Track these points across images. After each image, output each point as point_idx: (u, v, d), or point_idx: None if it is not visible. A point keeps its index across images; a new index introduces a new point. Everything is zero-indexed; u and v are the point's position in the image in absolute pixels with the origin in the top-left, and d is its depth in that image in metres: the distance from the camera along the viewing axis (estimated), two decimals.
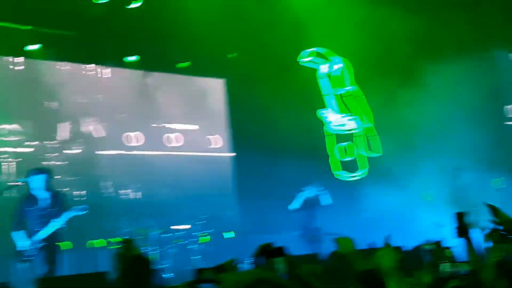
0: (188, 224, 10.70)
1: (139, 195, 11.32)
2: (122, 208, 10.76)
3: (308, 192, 11.20)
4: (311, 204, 11.24)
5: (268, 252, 1.94)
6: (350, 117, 13.96)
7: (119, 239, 10.11)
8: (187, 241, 10.36)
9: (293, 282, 1.81)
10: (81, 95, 11.28)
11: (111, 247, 10.23)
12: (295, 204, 11.16)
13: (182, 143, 12.44)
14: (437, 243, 4.81)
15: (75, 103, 11.13)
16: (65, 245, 8.82)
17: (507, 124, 14.58)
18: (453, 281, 3.24)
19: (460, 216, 4.00)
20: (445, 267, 3.19)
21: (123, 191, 11.13)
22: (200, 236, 10.51)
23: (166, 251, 10.17)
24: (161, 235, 10.36)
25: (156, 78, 12.36)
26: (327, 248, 9.90)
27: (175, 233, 10.54)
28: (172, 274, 9.45)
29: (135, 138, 11.90)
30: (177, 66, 12.58)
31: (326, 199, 11.20)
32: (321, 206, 11.24)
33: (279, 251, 1.96)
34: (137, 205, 11.04)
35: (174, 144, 12.34)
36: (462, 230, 3.95)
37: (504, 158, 13.83)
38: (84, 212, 7.89)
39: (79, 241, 10.04)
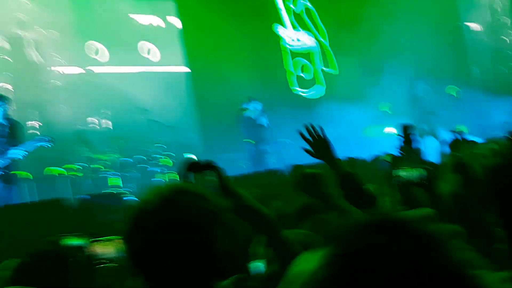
0: (148, 148, 10.59)
1: (97, 120, 11.05)
2: (80, 134, 10.50)
3: (258, 108, 11.24)
4: (260, 122, 11.34)
5: (196, 167, 1.87)
6: (306, 33, 13.81)
7: (75, 166, 10.01)
8: (147, 166, 10.30)
9: (222, 195, 1.72)
10: None
11: (70, 174, 10.11)
12: (247, 121, 11.22)
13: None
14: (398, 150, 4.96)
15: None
16: (24, 174, 8.70)
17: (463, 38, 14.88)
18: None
19: (405, 128, 4.11)
20: (403, 172, 3.21)
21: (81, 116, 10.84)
22: (161, 159, 10.45)
23: (128, 176, 10.12)
24: (121, 159, 10.28)
25: None
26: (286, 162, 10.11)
27: (136, 157, 10.46)
28: (135, 198, 9.45)
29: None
30: None
31: (265, 120, 11.30)
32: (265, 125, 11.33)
33: (208, 166, 1.88)
34: (95, 131, 10.82)
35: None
36: (407, 140, 4.09)
37: (459, 69, 14.12)
38: (50, 144, 7.71)
39: (37, 169, 9.89)
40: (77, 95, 10.90)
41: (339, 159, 2.95)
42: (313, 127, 2.94)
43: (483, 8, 15.08)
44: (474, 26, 15.13)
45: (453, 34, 14.56)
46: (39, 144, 7.72)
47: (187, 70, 12.38)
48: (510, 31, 15.04)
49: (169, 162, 10.32)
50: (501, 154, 3.45)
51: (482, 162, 3.32)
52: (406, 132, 4.14)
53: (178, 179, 1.88)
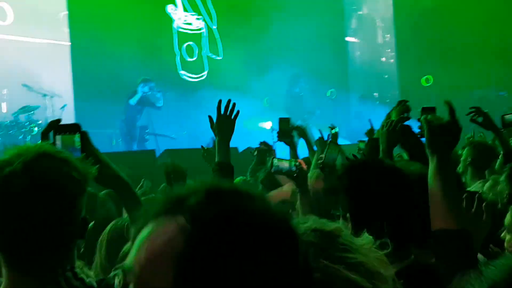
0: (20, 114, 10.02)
1: None
2: None
3: (146, 89, 11.10)
4: (147, 102, 11.23)
5: (60, 128, 1.81)
6: (197, 17, 13.73)
7: None
8: (12, 131, 9.72)
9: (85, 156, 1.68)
10: None
11: None
12: (133, 100, 11.06)
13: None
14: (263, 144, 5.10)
15: None
16: None
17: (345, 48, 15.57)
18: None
19: (282, 121, 4.23)
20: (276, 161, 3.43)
21: None
22: (31, 127, 9.92)
23: None
24: None
25: None
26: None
27: (2, 123, 9.86)
28: None
29: None
30: None
31: (159, 100, 11.25)
32: (156, 105, 11.28)
33: (73, 128, 1.83)
34: None
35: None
36: (283, 134, 4.21)
37: (339, 73, 14.74)
38: None
39: None
40: None
41: (228, 146, 3.12)
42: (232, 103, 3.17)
43: (367, 24, 15.96)
44: (356, 40, 15.98)
45: (336, 43, 15.16)
46: None
47: (68, 43, 11.86)
48: (387, 49, 15.98)
49: (33, 130, 9.80)
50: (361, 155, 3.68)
51: (343, 161, 3.53)
52: (284, 126, 4.25)
53: (41, 140, 1.78)
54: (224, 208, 0.89)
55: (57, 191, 1.47)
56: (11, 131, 9.66)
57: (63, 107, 10.52)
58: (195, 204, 0.89)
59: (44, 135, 1.80)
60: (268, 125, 12.04)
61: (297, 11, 13.36)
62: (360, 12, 16.21)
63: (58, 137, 1.79)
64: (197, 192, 0.92)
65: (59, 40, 11.82)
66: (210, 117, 3.05)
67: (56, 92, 10.76)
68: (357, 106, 14.92)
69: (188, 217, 0.88)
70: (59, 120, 1.84)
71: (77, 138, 1.80)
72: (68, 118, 10.53)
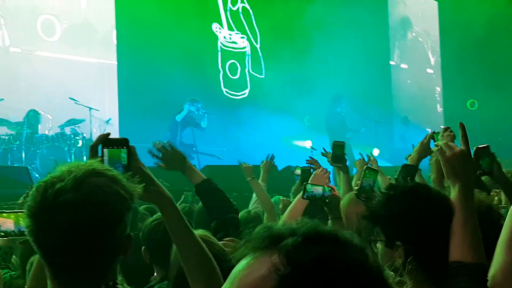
0: (66, 127, 10.27)
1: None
2: None
3: (193, 108, 11.27)
4: (192, 122, 11.36)
5: (108, 143, 1.84)
6: (241, 35, 13.88)
7: None
8: (57, 143, 9.94)
9: (131, 172, 1.71)
10: None
11: None
12: (179, 117, 11.23)
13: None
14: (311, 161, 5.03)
15: None
16: None
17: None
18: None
19: (336, 145, 4.15)
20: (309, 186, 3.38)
21: None
22: (76, 139, 10.13)
23: (36, 151, 9.77)
24: (33, 135, 9.92)
25: None
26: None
27: (48, 135, 10.11)
28: (38, 176, 9.13)
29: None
30: None
31: (204, 121, 11.37)
32: (201, 126, 11.41)
33: (121, 142, 1.85)
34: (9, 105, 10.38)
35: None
36: (337, 158, 4.12)
37: (382, 94, 14.65)
38: None
39: None
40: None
41: (193, 169, 3.12)
42: (162, 145, 3.09)
43: (412, 47, 15.85)
44: (401, 64, 15.89)
45: (380, 65, 15.08)
46: None
47: (115, 63, 12.15)
48: (432, 72, 15.81)
49: (78, 142, 10.02)
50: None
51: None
52: (338, 150, 4.19)
53: (90, 153, 1.82)
54: (320, 254, 0.89)
55: (105, 208, 1.51)
56: (56, 143, 9.90)
57: (107, 121, 10.73)
58: (292, 245, 0.90)
59: (93, 148, 1.83)
60: (308, 143, 12.00)
61: (341, 33, 13.36)
62: (406, 35, 16.10)
63: (106, 151, 1.82)
64: (296, 233, 0.92)
65: (106, 59, 12.10)
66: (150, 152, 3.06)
67: (102, 106, 10.99)
68: (400, 129, 14.75)
69: (284, 257, 0.89)
70: (108, 134, 1.87)
71: (124, 153, 1.83)
72: (112, 131, 10.72)
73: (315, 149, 10.30)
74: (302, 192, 3.44)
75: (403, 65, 16.10)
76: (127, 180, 1.59)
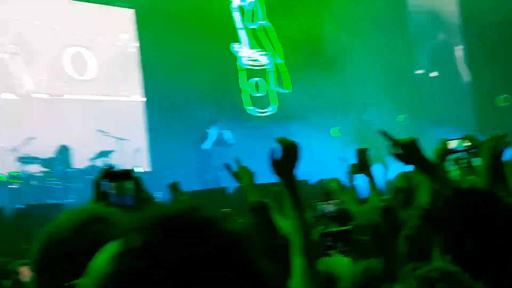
0: (96, 160, 10.38)
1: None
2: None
3: (216, 131, 11.35)
4: (219, 142, 11.41)
5: (113, 175, 1.80)
6: (262, 53, 13.91)
7: (15, 173, 9.75)
8: (92, 177, 10.05)
9: (137, 209, 1.65)
10: None
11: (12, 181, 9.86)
12: (207, 144, 11.31)
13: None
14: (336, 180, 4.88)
15: None
16: None
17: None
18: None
19: (360, 152, 4.02)
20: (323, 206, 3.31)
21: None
22: None
23: (71, 186, 9.89)
24: (66, 170, 10.05)
25: None
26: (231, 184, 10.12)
27: (81, 168, 10.23)
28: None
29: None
30: None
31: (229, 138, 11.40)
32: (228, 143, 11.42)
33: (125, 174, 1.81)
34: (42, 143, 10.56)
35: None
36: (362, 165, 3.99)
37: (410, 98, 14.47)
38: None
39: None
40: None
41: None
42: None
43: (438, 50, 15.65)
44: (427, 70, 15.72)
45: (407, 71, 14.94)
46: None
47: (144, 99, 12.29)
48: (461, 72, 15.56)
49: None
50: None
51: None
52: (362, 157, 4.06)
53: (94, 188, 1.78)
54: None
55: None
56: (87, 176, 10.01)
57: (137, 149, 10.81)
58: None
59: (97, 182, 1.80)
60: (338, 155, 11.88)
61: (365, 43, 13.30)
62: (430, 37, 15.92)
63: (112, 184, 1.79)
64: None
65: (132, 93, 12.28)
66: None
67: (130, 135, 11.10)
68: (431, 132, 14.49)
69: None
70: (111, 167, 1.83)
71: (130, 184, 1.79)
72: (142, 160, 10.85)
73: (346, 160, 10.22)
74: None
75: (431, 74, 15.89)
76: (132, 220, 1.52)
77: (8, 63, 10.87)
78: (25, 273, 2.61)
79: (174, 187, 4.44)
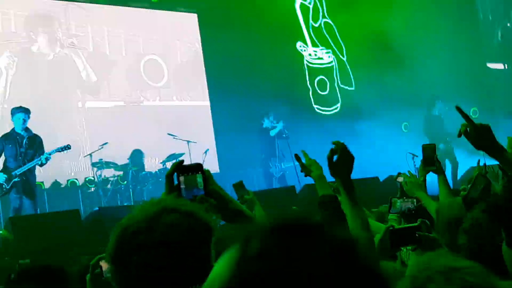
0: (167, 162, 10.63)
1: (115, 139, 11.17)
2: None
3: (268, 122, 11.41)
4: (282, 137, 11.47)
5: (183, 169, 1.84)
6: (326, 51, 13.84)
7: (91, 178, 10.15)
8: (162, 179, 10.31)
9: (205, 201, 1.69)
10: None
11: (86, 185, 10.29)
12: (274, 131, 11.40)
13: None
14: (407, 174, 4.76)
15: None
16: (38, 183, 8.83)
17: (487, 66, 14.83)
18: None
19: (427, 149, 3.90)
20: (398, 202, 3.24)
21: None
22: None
23: (142, 189, 10.17)
24: (138, 173, 10.35)
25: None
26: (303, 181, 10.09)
27: (152, 172, 10.51)
28: None
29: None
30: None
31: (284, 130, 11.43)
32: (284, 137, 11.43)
33: (195, 168, 1.85)
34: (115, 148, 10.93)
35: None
36: (430, 162, 3.87)
37: (481, 92, 14.02)
38: (68, 149, 8.28)
39: (51, 179, 10.06)
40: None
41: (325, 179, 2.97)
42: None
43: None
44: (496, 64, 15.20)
45: (476, 62, 14.50)
46: (62, 151, 8.27)
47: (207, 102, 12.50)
48: None
49: None
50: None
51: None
52: (429, 153, 3.94)
53: (166, 182, 1.84)
54: None
55: (181, 246, 1.48)
56: (161, 179, 10.26)
57: (206, 151, 10.99)
58: None
59: (169, 177, 1.84)
60: (407, 151, 11.66)
61: (432, 35, 12.99)
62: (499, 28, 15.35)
63: (182, 178, 1.83)
64: None
65: (200, 99, 12.53)
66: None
67: (198, 138, 11.30)
68: (505, 123, 13.96)
69: None
70: (182, 161, 1.87)
71: (200, 177, 1.83)
72: (211, 162, 11.02)
73: (416, 156, 10.00)
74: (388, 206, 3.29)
75: (501, 66, 15.33)
76: (202, 211, 1.56)
77: (89, 73, 11.34)
78: (105, 266, 2.74)
79: (238, 186, 4.48)
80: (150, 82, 11.96)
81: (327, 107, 13.67)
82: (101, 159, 10.20)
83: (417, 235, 2.65)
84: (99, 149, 10.15)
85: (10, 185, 7.91)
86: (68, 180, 10.44)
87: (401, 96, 12.69)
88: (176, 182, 1.82)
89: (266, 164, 11.56)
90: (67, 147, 8.32)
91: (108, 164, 10.23)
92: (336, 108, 13.75)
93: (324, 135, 12.36)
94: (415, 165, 9.83)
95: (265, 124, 11.60)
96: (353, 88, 13.80)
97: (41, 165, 8.09)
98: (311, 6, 13.84)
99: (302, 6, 13.80)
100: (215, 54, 12.14)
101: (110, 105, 11.49)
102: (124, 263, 1.48)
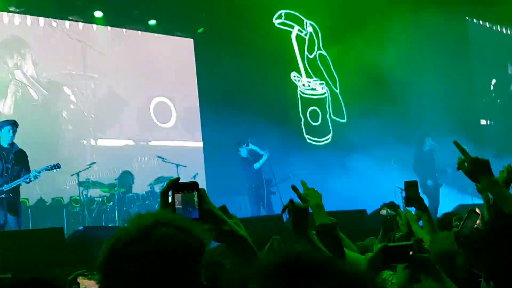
0: (155, 185, 10.57)
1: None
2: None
3: (244, 150, 11.37)
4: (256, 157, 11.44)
5: (177, 187, 1.82)
6: (320, 82, 13.94)
7: (76, 197, 10.06)
8: (148, 202, 10.23)
9: (201, 220, 1.67)
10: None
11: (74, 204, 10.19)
12: (258, 164, 11.33)
13: None
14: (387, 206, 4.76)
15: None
16: (23, 200, 8.73)
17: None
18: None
19: (409, 186, 3.86)
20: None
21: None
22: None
23: (128, 210, 10.09)
24: (125, 195, 10.27)
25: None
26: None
27: (139, 194, 10.44)
28: None
29: None
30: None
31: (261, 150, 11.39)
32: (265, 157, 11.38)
33: (190, 186, 1.83)
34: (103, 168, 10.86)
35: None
36: (411, 200, 3.83)
37: (471, 129, 14.13)
38: (57, 169, 8.12)
39: (36, 196, 9.97)
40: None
41: (322, 208, 2.97)
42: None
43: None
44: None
45: (467, 97, 14.65)
46: (52, 170, 8.12)
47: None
48: None
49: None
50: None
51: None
52: (411, 191, 3.91)
53: (161, 199, 1.82)
54: None
55: (173, 258, 1.47)
56: (147, 202, 10.19)
57: (194, 176, 10.94)
58: None
59: (164, 194, 1.82)
60: (395, 185, 11.67)
61: (421, 70, 13.13)
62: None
63: (177, 196, 1.80)
64: None
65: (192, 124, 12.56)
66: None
67: (188, 162, 11.27)
68: (494, 162, 14.04)
69: None
70: (178, 179, 1.86)
71: (195, 197, 1.80)
72: (200, 185, 10.97)
73: (403, 189, 10.00)
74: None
75: (491, 96, 15.51)
76: (196, 227, 1.55)
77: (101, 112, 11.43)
78: (84, 283, 2.70)
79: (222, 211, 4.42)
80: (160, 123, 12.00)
81: (318, 137, 13.72)
82: (88, 179, 10.13)
83: (410, 253, 2.63)
84: (87, 168, 10.08)
85: None
86: (53, 198, 10.35)
87: (392, 130, 12.77)
88: (170, 199, 1.80)
89: (255, 191, 11.48)
90: (57, 166, 8.18)
91: (94, 184, 10.16)
92: (327, 139, 13.80)
93: (314, 165, 12.39)
94: (403, 200, 9.82)
95: (242, 153, 11.50)
96: (345, 120, 13.87)
97: (28, 182, 7.99)
98: (307, 38, 13.99)
99: (298, 37, 13.94)
100: (209, 78, 12.20)
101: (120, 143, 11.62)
102: (115, 272, 1.47)
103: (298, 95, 13.78)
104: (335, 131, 13.77)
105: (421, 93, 13.15)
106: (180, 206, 1.77)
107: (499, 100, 15.77)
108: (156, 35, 12.32)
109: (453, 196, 11.75)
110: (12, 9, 10.72)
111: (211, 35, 12.34)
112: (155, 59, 12.29)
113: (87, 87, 11.42)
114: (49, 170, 8.16)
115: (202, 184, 11.37)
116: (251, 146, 11.40)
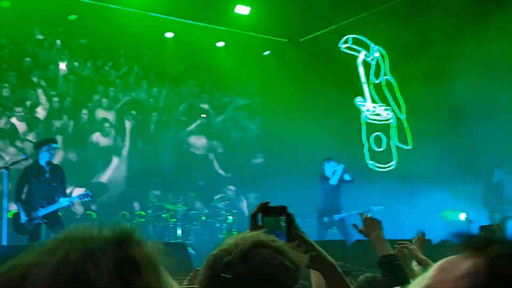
0: (215, 204, 10.68)
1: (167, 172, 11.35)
2: (150, 182, 10.79)
3: (329, 166, 11.16)
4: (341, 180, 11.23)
5: (267, 210, 1.84)
6: (385, 107, 13.79)
7: (142, 212, 10.27)
8: (210, 220, 10.34)
9: (290, 242, 1.70)
10: None
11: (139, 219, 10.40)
12: (335, 179, 11.13)
13: None
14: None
15: None
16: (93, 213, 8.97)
17: None
18: None
19: (485, 230, 3.75)
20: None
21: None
22: (227, 215, 10.48)
23: (190, 228, 10.22)
24: (188, 212, 10.42)
25: None
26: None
27: (202, 211, 10.57)
28: (193, 251, 9.49)
29: None
30: None
31: (345, 174, 11.18)
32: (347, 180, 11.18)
33: (280, 210, 1.85)
34: (165, 182, 11.08)
35: None
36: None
37: None
38: (89, 198, 8.01)
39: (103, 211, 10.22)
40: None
41: (383, 239, 2.98)
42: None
43: None
44: None
45: None
46: (83, 199, 8.06)
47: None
48: None
49: (228, 218, 10.35)
50: None
51: None
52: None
53: (250, 222, 1.85)
54: None
55: (270, 280, 1.51)
56: (209, 220, 10.30)
57: (257, 196, 11.00)
58: (496, 254, 0.89)
59: (253, 216, 1.85)
60: (462, 216, 11.33)
61: (497, 96, 12.71)
62: None
63: (266, 219, 1.83)
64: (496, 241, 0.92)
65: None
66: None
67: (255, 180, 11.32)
68: None
69: (486, 264, 0.88)
70: (267, 202, 1.88)
71: (283, 221, 1.83)
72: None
73: (471, 221, 9.70)
74: None
75: None
76: (292, 250, 1.58)
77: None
78: None
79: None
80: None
81: (381, 163, 13.53)
82: (153, 194, 10.34)
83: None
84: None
85: (31, 226, 7.74)
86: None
87: (459, 160, 12.39)
88: (260, 222, 1.83)
89: (322, 213, 11.28)
90: (88, 195, 7.99)
91: (160, 200, 10.37)
92: (390, 166, 13.59)
93: (376, 192, 12.19)
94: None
95: (326, 171, 11.30)
96: (410, 147, 13.62)
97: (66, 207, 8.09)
98: (373, 63, 13.90)
99: (364, 62, 13.88)
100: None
101: None
102: None
103: (362, 120, 13.67)
104: (399, 158, 13.55)
105: (494, 120, 12.69)
106: (267, 228, 1.80)
107: None
108: None
109: None
110: None
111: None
112: None
113: None
114: (81, 199, 8.14)
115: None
116: (340, 166, 11.19)
